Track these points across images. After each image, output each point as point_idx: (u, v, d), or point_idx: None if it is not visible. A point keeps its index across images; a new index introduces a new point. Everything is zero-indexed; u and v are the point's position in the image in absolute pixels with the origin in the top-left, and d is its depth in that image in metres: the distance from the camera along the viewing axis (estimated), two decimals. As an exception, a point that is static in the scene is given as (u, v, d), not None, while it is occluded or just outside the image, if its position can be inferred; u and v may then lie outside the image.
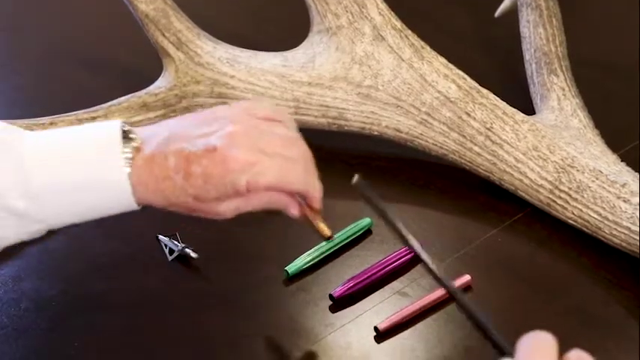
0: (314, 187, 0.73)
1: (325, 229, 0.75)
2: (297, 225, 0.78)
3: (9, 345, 0.76)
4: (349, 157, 0.96)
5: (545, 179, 0.87)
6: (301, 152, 0.71)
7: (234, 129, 0.69)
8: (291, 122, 0.74)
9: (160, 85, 0.93)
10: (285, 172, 0.70)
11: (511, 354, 0.59)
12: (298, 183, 0.71)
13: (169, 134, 0.69)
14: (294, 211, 0.73)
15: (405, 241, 0.65)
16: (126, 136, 0.68)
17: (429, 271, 0.64)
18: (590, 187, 0.85)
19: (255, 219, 0.83)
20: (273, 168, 0.69)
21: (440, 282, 0.64)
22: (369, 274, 0.82)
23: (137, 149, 0.68)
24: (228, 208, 0.70)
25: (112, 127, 0.68)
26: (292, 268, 0.82)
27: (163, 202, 0.69)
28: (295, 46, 0.95)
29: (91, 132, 0.69)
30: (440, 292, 0.79)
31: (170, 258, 0.83)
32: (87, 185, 0.67)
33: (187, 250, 0.83)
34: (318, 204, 0.74)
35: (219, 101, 0.92)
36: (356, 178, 0.65)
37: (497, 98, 0.91)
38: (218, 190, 0.68)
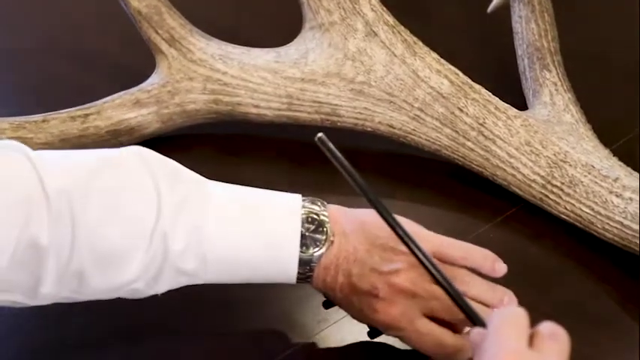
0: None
1: None
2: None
3: (3, 344, 0.76)
4: (342, 153, 0.96)
5: (538, 174, 0.87)
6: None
7: (402, 282, 0.70)
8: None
9: (153, 81, 0.93)
10: (418, 345, 0.72)
11: (483, 324, 0.60)
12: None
13: (353, 249, 0.71)
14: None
15: (365, 194, 0.66)
16: (315, 224, 0.71)
17: (390, 224, 0.66)
18: (582, 181, 0.85)
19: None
20: (411, 340, 0.72)
21: (408, 245, 0.66)
22: (362, 269, 0.82)
23: (325, 244, 0.71)
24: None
25: (295, 209, 0.71)
26: None
27: (321, 288, 0.74)
28: (288, 43, 0.95)
29: (276, 206, 0.71)
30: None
31: None
32: (258, 264, 0.70)
33: None
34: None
35: (212, 98, 0.92)
36: (319, 135, 0.66)
37: (490, 94, 0.91)
38: (358, 319, 0.74)
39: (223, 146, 0.97)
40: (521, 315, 0.58)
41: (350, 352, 0.76)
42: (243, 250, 0.70)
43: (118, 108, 0.92)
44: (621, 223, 0.82)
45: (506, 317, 0.58)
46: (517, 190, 0.89)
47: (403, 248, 0.68)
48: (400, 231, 0.66)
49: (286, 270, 0.71)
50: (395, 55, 0.91)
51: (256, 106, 0.92)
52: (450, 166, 0.92)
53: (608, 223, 0.83)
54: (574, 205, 0.85)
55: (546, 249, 0.86)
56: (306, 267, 0.71)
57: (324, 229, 0.71)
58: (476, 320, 0.62)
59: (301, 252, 0.70)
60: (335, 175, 0.94)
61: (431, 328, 0.71)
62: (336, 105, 0.92)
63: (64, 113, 0.90)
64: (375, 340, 0.77)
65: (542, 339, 0.57)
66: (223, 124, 0.95)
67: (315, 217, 0.71)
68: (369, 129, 0.93)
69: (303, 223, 0.71)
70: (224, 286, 0.81)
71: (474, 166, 0.90)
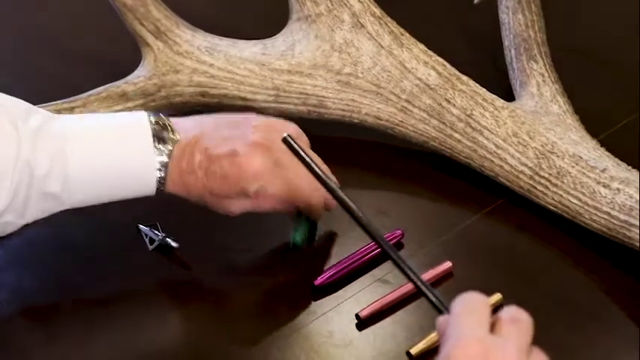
0: (318, 207, 0.80)
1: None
2: (275, 214, 0.79)
3: None
4: (329, 146, 0.96)
5: (526, 165, 0.87)
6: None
7: (257, 139, 0.76)
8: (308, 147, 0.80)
9: (139, 74, 0.93)
10: (294, 187, 0.77)
11: (448, 310, 0.60)
12: (303, 198, 0.78)
13: (202, 132, 0.77)
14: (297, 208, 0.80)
15: (331, 191, 0.69)
16: (164, 128, 0.76)
17: (355, 219, 0.67)
18: (570, 172, 0.85)
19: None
20: (282, 182, 0.77)
21: (370, 234, 0.66)
22: (350, 261, 0.82)
23: (174, 141, 0.76)
24: (238, 208, 0.78)
25: (143, 117, 0.76)
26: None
27: (184, 193, 0.77)
28: (274, 34, 0.95)
29: (125, 121, 0.78)
30: (421, 279, 0.80)
31: (151, 248, 0.83)
32: (120, 173, 0.75)
33: (168, 239, 0.83)
34: (318, 216, 0.81)
35: (199, 90, 0.92)
36: (285, 135, 0.71)
37: (477, 85, 0.91)
38: (231, 190, 0.76)
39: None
40: (481, 301, 0.58)
41: (338, 344, 0.76)
42: (104, 165, 0.74)
43: (105, 101, 0.91)
44: (609, 214, 0.82)
45: (466, 304, 0.58)
46: (505, 182, 0.89)
47: (248, 122, 0.78)
48: (362, 221, 0.66)
49: (145, 171, 0.75)
50: (382, 47, 0.91)
51: (243, 99, 0.92)
52: (438, 157, 0.92)
53: (595, 214, 0.83)
54: (562, 196, 0.85)
55: (534, 240, 0.86)
56: (162, 166, 0.76)
57: (170, 127, 0.77)
58: (440, 307, 0.62)
59: (155, 147, 0.75)
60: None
61: (285, 174, 0.76)
62: (323, 97, 0.92)
63: (51, 106, 0.89)
64: (363, 331, 0.77)
65: (503, 324, 0.57)
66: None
67: (161, 122, 0.77)
68: (356, 121, 0.93)
69: (152, 125, 0.76)
70: (211, 278, 0.81)
71: (461, 157, 0.90)
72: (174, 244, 0.82)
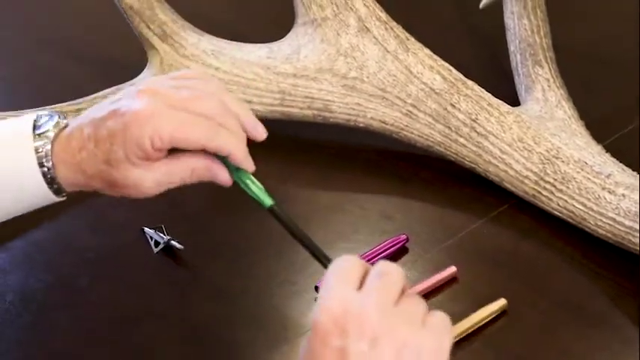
0: (230, 144, 0.67)
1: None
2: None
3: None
4: (334, 149, 0.96)
5: (531, 170, 0.87)
6: (211, 107, 0.67)
7: (142, 89, 0.67)
8: (217, 84, 0.70)
9: (145, 76, 0.93)
10: (189, 124, 0.66)
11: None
12: (205, 138, 0.66)
13: (90, 109, 0.69)
14: (222, 176, 0.68)
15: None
16: (50, 118, 0.68)
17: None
18: (575, 178, 0.85)
19: (238, 209, 0.83)
20: (174, 119, 0.66)
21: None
22: (355, 265, 0.82)
23: (60, 128, 0.68)
24: (147, 179, 0.67)
25: (23, 120, 0.68)
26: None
27: (81, 176, 0.68)
28: (280, 38, 0.95)
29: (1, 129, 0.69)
30: (426, 284, 0.80)
31: (156, 250, 0.83)
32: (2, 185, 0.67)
33: (173, 242, 0.83)
34: (244, 164, 0.68)
35: (205, 93, 0.92)
36: (271, 203, 0.66)
37: (483, 90, 0.91)
38: (124, 149, 0.66)
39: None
40: (351, 260, 0.57)
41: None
42: None
43: (110, 103, 0.91)
44: (614, 220, 0.82)
45: (336, 265, 0.57)
46: (510, 187, 0.89)
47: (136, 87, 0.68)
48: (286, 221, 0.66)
49: (28, 166, 0.67)
50: (387, 51, 0.91)
51: (249, 102, 0.92)
52: (443, 162, 0.92)
53: (600, 220, 0.83)
54: (567, 201, 0.85)
55: (539, 245, 0.86)
56: (44, 156, 0.67)
57: (58, 116, 0.69)
58: (323, 261, 0.62)
59: (35, 136, 0.68)
60: (328, 172, 0.94)
61: (182, 115, 0.66)
62: (329, 101, 0.92)
63: (56, 107, 0.90)
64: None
65: (369, 279, 0.55)
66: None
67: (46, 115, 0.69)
68: (361, 125, 0.93)
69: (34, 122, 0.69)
70: (216, 281, 0.81)
71: (466, 162, 0.90)
72: (179, 246, 0.83)
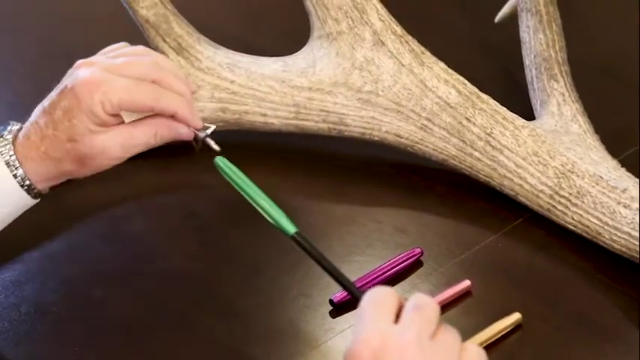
0: (175, 103, 0.73)
1: (213, 145, 0.74)
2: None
3: (9, 349, 0.76)
4: (349, 163, 0.96)
5: (546, 184, 0.87)
6: (146, 68, 0.73)
7: (78, 63, 0.73)
8: (162, 57, 0.76)
9: (161, 90, 0.93)
10: (133, 87, 0.71)
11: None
12: (150, 99, 0.72)
13: (38, 107, 0.73)
14: (184, 130, 0.74)
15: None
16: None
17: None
18: (590, 192, 0.85)
19: (253, 222, 0.83)
20: (118, 84, 0.71)
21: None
22: (369, 279, 0.82)
23: (17, 130, 0.73)
24: (112, 145, 0.72)
25: None
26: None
27: (50, 165, 0.72)
28: (296, 52, 0.95)
29: None
30: (440, 298, 0.79)
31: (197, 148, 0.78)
32: None
33: (209, 139, 0.77)
34: (192, 122, 0.74)
35: (219, 106, 0.92)
36: (217, 158, 0.70)
37: (497, 103, 0.91)
38: (82, 121, 0.71)
39: (228, 154, 0.97)
40: (387, 293, 0.57)
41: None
42: None
43: (126, 116, 0.92)
44: (629, 234, 0.82)
45: (371, 297, 0.57)
46: (524, 201, 0.88)
47: None
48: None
49: None
50: (402, 65, 0.91)
51: (264, 115, 0.93)
52: (458, 176, 0.92)
53: (615, 234, 0.83)
54: (582, 215, 0.85)
55: (554, 259, 0.86)
56: (9, 156, 0.72)
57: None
58: (356, 296, 0.62)
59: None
60: (342, 185, 0.94)
61: (124, 78, 0.71)
62: (344, 114, 0.92)
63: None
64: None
65: (405, 312, 0.56)
66: (228, 132, 0.95)
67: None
68: (376, 138, 0.93)
69: None
70: (230, 295, 0.81)
71: (481, 176, 0.90)
72: (215, 147, 0.77)
